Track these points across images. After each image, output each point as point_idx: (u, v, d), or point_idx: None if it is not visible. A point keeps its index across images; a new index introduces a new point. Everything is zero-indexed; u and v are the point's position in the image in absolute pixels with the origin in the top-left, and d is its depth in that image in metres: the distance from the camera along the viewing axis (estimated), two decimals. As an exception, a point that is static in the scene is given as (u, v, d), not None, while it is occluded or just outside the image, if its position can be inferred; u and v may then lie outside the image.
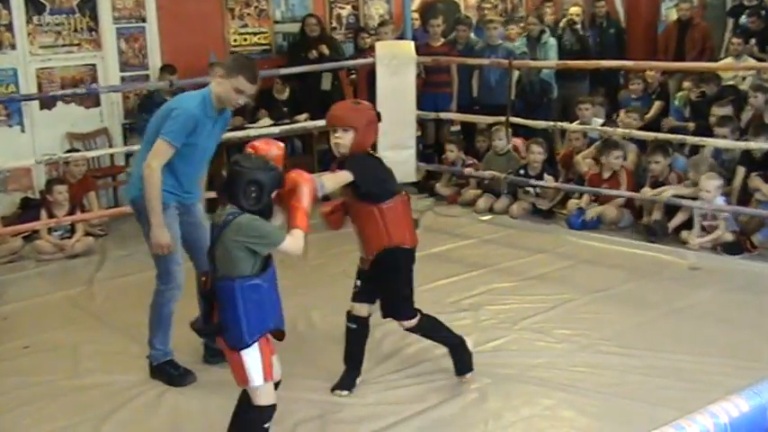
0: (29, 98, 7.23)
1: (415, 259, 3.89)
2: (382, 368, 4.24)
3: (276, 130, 7.30)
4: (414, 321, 3.89)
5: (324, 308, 4.95)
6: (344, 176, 3.61)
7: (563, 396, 3.92)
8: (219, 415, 3.48)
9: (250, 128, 7.49)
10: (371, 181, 3.69)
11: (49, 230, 6.46)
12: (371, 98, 7.33)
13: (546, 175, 6.94)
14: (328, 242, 5.99)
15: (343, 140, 3.65)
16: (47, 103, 7.48)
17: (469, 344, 4.08)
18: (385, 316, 3.92)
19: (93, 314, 5.13)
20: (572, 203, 6.85)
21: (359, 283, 3.94)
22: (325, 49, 8.13)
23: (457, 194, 7.57)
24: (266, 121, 7.78)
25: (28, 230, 6.53)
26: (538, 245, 6.28)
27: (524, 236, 6.54)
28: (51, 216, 6.50)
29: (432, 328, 4.02)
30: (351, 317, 3.98)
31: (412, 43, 7.44)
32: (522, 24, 9.11)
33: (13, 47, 7.32)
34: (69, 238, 6.46)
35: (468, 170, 7.47)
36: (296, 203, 3.17)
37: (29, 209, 6.99)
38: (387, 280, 3.82)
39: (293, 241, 3.12)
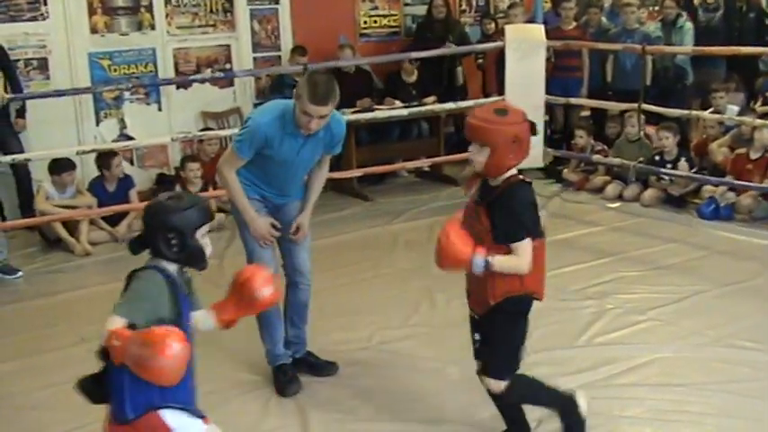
0: (168, 82, 7.51)
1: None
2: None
3: (405, 112, 7.32)
4: (503, 384, 3.16)
5: (448, 291, 4.95)
6: (514, 261, 2.96)
7: (690, 390, 3.80)
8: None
9: (378, 109, 7.55)
10: (524, 228, 2.98)
11: (183, 205, 6.69)
12: (500, 83, 7.30)
13: (682, 161, 6.73)
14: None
15: (476, 158, 2.98)
16: (183, 83, 7.75)
17: (582, 403, 3.28)
18: (485, 373, 3.21)
19: (223, 289, 5.27)
20: (706, 190, 6.62)
21: (478, 336, 3.25)
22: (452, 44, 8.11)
23: (585, 180, 7.43)
24: (394, 102, 7.81)
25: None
26: (668, 234, 6.10)
27: (654, 224, 6.36)
28: (185, 189, 6.74)
29: (529, 390, 3.27)
30: (492, 396, 3.28)
31: (542, 27, 7.32)
32: (656, 8, 8.84)
33: (152, 27, 7.60)
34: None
35: (597, 156, 7.32)
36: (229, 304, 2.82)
37: (164, 185, 7.25)
38: (501, 330, 3.15)
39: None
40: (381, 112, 7.36)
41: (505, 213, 2.97)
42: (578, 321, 4.57)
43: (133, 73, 7.49)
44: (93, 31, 7.36)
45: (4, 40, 6.75)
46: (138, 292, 2.57)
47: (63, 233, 6.32)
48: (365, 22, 8.69)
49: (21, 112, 6.82)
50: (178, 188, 6.79)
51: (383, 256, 5.90)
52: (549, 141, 7.67)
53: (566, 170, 7.63)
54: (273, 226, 3.84)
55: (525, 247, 2.96)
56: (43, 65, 7.16)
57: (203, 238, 2.66)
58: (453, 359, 4.08)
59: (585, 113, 8.38)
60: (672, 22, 8.29)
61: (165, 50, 7.68)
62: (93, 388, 2.65)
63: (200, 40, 7.86)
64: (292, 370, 4.02)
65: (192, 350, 2.54)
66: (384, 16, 8.77)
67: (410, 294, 5.03)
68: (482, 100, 7.94)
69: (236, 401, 3.88)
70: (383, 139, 7.87)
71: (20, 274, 5.84)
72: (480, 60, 8.42)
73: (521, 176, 3.03)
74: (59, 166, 6.47)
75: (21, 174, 6.77)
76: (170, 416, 2.58)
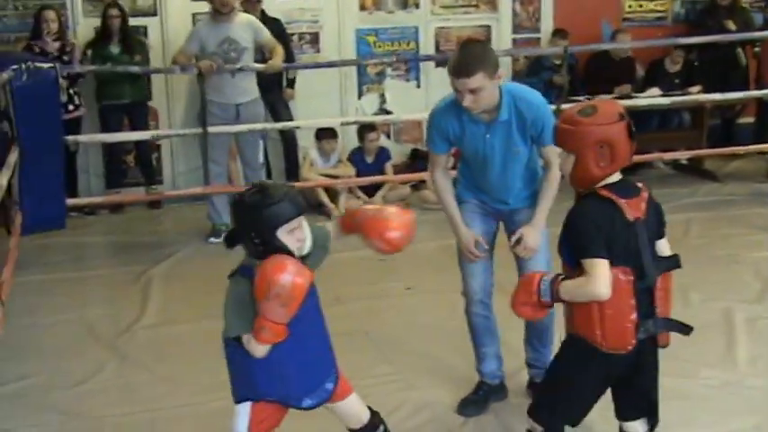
0: (428, 58, 7.69)
1: (615, 372, 2.63)
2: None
3: (666, 100, 7.04)
4: (539, 430, 2.72)
5: (704, 290, 4.73)
6: (603, 272, 2.46)
7: None
8: None
9: (637, 97, 7.31)
10: (587, 243, 2.49)
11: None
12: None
13: None
14: (716, 222, 5.97)
15: (564, 165, 2.61)
16: (442, 62, 7.89)
17: None
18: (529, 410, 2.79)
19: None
20: None
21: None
22: (731, 25, 7.63)
23: None
24: (655, 91, 7.53)
25: (416, 180, 7.00)
26: None
27: None
28: (438, 168, 6.89)
29: None
30: None
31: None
32: None
33: (417, 6, 7.79)
34: (452, 189, 6.81)
35: None
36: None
37: (417, 159, 7.46)
38: (564, 364, 2.70)
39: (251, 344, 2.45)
40: (640, 100, 7.12)
41: (566, 232, 2.56)
42: None
43: (396, 50, 7.74)
44: (362, 8, 7.68)
45: (282, 14, 7.21)
46: (231, 307, 2.51)
47: (324, 198, 6.71)
48: (630, 6, 8.40)
49: (290, 83, 7.28)
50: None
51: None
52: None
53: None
54: (477, 242, 3.39)
55: (597, 265, 2.45)
56: (314, 39, 7.58)
57: (291, 234, 2.44)
58: (708, 362, 3.92)
59: None
60: None
61: (427, 29, 7.86)
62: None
63: (462, 20, 7.95)
64: (489, 393, 3.62)
65: (301, 331, 2.48)
66: (651, 0, 8.44)
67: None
68: (753, 92, 7.49)
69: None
70: (640, 128, 7.50)
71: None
72: (757, 48, 7.89)
73: (605, 193, 2.53)
74: (323, 134, 6.86)
75: (288, 141, 7.25)
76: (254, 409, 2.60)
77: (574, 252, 2.52)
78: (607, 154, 2.49)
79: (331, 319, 4.54)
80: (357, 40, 7.68)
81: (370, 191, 6.91)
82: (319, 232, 2.63)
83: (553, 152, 3.21)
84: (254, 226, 2.42)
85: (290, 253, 2.41)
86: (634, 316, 2.52)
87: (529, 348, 3.64)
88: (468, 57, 3.09)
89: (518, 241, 3.33)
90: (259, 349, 2.43)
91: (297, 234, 2.46)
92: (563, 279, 2.58)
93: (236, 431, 2.62)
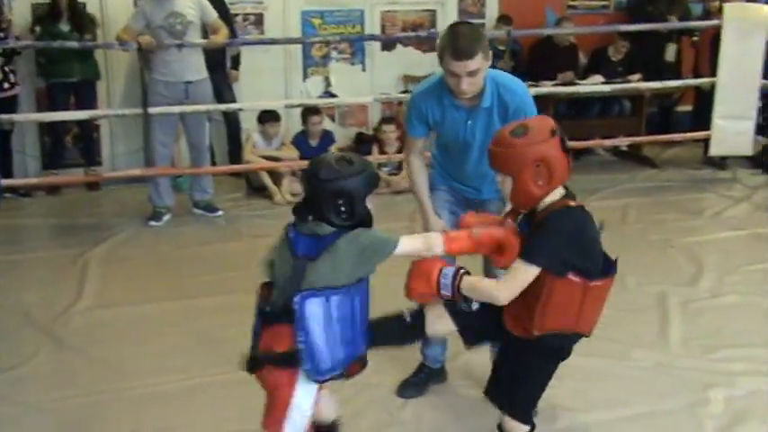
0: (372, 38, 7.70)
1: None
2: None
3: (607, 88, 7.14)
4: (524, 430, 2.76)
5: (640, 275, 4.82)
6: (522, 278, 2.48)
7: None
8: None
9: (580, 84, 7.41)
10: (539, 253, 2.48)
11: (379, 165, 6.84)
12: (713, 64, 6.95)
13: None
14: (653, 208, 6.04)
15: (504, 187, 2.58)
16: (387, 44, 7.90)
17: None
18: (499, 405, 2.79)
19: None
20: None
21: (496, 351, 2.99)
22: (674, 19, 7.76)
23: (797, 173, 7.00)
24: (597, 78, 7.62)
25: (360, 163, 6.99)
26: None
27: None
28: (382, 152, 6.91)
29: None
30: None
31: (766, 6, 6.90)
32: None
33: (363, -11, 7.79)
34: (396, 174, 6.83)
35: (813, 149, 6.86)
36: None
37: (362, 143, 7.45)
38: (535, 366, 2.71)
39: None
40: (582, 87, 7.22)
41: (538, 235, 2.51)
42: (780, 320, 4.35)
43: (341, 33, 7.70)
44: (308, -11, 7.64)
45: (226, -6, 7.13)
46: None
47: (267, 181, 6.67)
48: (574, -6, 8.49)
49: (235, 65, 7.20)
50: (375, 148, 6.99)
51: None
52: (761, 129, 7.25)
53: (776, 161, 7.20)
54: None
55: (522, 271, 2.47)
56: (259, 20, 7.51)
57: (369, 202, 2.50)
58: (641, 344, 4.01)
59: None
60: None
61: (372, 12, 7.83)
62: (274, 356, 2.51)
63: (407, 4, 7.95)
64: (430, 376, 3.64)
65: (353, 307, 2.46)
66: (595, -11, 8.53)
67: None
68: (691, 80, 7.63)
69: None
70: (582, 115, 7.72)
71: (220, 213, 6.24)
72: (695, 38, 8.04)
73: (569, 201, 2.55)
74: (265, 117, 6.81)
75: (231, 123, 7.19)
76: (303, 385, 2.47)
77: (523, 250, 2.50)
78: (544, 172, 2.48)
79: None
80: (302, 22, 7.63)
81: (314, 174, 6.87)
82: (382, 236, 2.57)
83: None
84: (343, 193, 2.40)
85: (372, 221, 2.48)
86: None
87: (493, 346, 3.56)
88: (467, 38, 2.99)
89: None
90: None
91: (371, 203, 2.50)
92: (464, 273, 2.57)
93: (303, 410, 2.48)
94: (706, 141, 7.16)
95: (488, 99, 3.15)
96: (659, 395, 3.56)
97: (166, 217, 6.09)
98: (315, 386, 2.49)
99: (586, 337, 2.69)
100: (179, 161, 6.69)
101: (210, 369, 3.78)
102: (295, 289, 2.40)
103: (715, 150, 7.08)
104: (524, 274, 2.47)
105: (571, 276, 2.50)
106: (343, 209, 2.41)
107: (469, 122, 3.19)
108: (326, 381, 2.49)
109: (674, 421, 3.37)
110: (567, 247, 2.48)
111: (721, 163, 7.39)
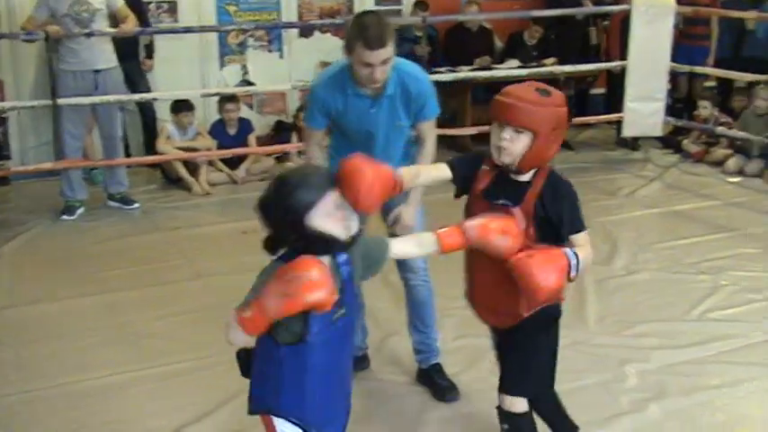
0: (288, 25, 7.64)
1: None
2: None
3: (523, 72, 7.23)
4: (521, 406, 2.70)
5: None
6: (586, 253, 2.47)
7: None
8: None
9: (497, 68, 7.50)
10: (582, 218, 2.52)
11: (299, 153, 6.81)
12: (623, 47, 7.11)
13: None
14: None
15: (512, 146, 2.43)
16: (305, 32, 7.85)
17: None
18: (504, 389, 2.72)
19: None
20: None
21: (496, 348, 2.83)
22: (588, 3, 7.90)
23: (705, 153, 7.20)
24: (513, 62, 7.72)
25: (279, 152, 6.95)
26: (792, 214, 5.87)
27: (777, 203, 6.14)
28: (301, 140, 6.86)
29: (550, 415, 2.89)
30: (504, 415, 2.74)
31: (672, -10, 7.09)
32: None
33: (278, -24, 7.72)
34: (316, 162, 6.79)
35: (720, 129, 7.08)
36: None
37: (282, 131, 7.40)
38: (532, 341, 2.66)
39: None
40: (499, 72, 7.30)
41: (568, 205, 2.49)
42: (691, 295, 4.47)
43: (258, 20, 7.62)
44: (222, -24, 7.53)
45: (137, -19, 6.97)
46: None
47: (183, 172, 6.55)
48: (488, -21, 8.56)
49: (149, 53, 7.06)
50: (294, 136, 6.94)
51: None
52: (670, 110, 7.45)
53: (685, 141, 7.41)
54: None
55: (587, 239, 2.51)
56: (173, 8, 7.37)
57: (329, 217, 2.07)
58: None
59: (711, 84, 8.10)
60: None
61: (289, 0, 7.78)
62: (246, 361, 2.22)
63: (324, -9, 7.93)
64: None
65: (335, 356, 2.18)
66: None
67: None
68: (603, 64, 7.79)
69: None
70: (501, 99, 7.80)
71: (136, 205, 6.12)
72: (606, 23, 8.21)
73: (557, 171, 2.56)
74: (179, 107, 6.70)
75: (146, 113, 7.05)
76: (282, 426, 2.17)
77: (574, 222, 2.48)
78: (558, 136, 2.46)
79: (191, 294, 4.56)
80: (218, 10, 7.52)
81: (233, 164, 6.81)
82: (374, 243, 2.32)
83: (429, 128, 3.27)
84: (283, 223, 2.07)
85: (334, 240, 2.06)
86: None
87: (413, 332, 3.57)
88: (378, 27, 2.95)
89: (396, 220, 3.25)
90: (237, 335, 2.04)
91: (337, 215, 2.07)
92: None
93: None
94: (619, 123, 7.33)
95: (392, 86, 3.12)
96: (577, 373, 3.63)
97: (80, 210, 5.95)
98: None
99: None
100: (92, 153, 6.53)
101: (136, 364, 3.76)
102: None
103: (627, 132, 7.26)
104: (587, 239, 2.51)
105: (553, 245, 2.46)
106: (293, 237, 2.11)
107: (373, 111, 3.15)
108: None
109: (591, 397, 3.44)
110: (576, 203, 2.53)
111: (634, 144, 7.58)
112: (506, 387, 2.70)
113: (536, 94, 2.42)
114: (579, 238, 2.49)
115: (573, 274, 2.36)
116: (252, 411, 2.19)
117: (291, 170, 2.22)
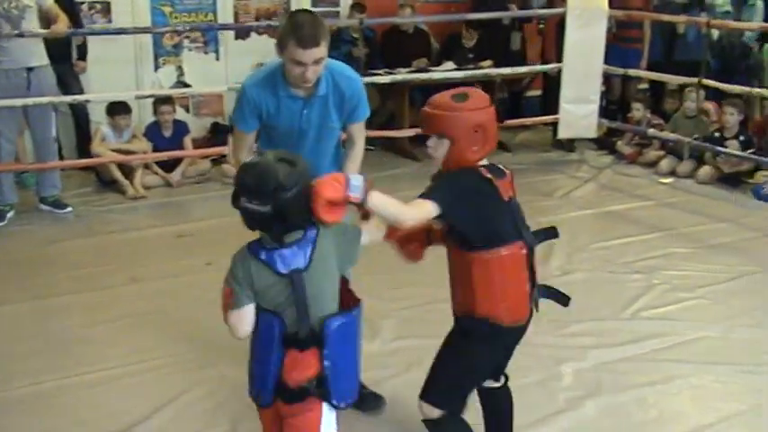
0: (224, 27, 7.58)
1: (511, 343, 2.74)
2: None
3: (459, 74, 7.28)
4: (437, 413, 2.67)
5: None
6: (424, 208, 2.46)
7: (735, 370, 3.77)
8: None
9: (433, 71, 7.53)
10: (467, 218, 2.52)
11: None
12: (559, 50, 7.22)
13: (735, 141, 6.62)
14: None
15: (434, 152, 2.57)
16: (241, 33, 7.79)
17: None
18: (420, 394, 2.72)
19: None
20: (760, 176, 6.52)
21: None
22: (514, 7, 8.02)
23: (638, 154, 7.35)
24: (449, 64, 7.77)
25: (216, 154, 6.87)
26: (721, 213, 6.01)
27: (707, 202, 6.28)
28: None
29: None
30: (425, 423, 2.74)
31: (606, -5, 7.22)
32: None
33: (213, -23, 7.64)
34: (254, 164, 6.74)
35: (652, 131, 7.23)
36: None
37: (218, 134, 7.34)
38: (453, 348, 2.69)
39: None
40: (436, 74, 7.34)
41: (441, 180, 2.58)
42: (625, 294, 4.56)
43: (193, 21, 7.54)
44: (156, -23, 7.43)
45: (68, -19, 6.83)
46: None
47: (117, 175, 6.45)
48: (426, -18, 8.61)
49: (82, 55, 6.93)
50: (231, 138, 6.87)
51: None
52: (604, 112, 7.59)
53: (619, 142, 7.55)
54: None
55: (421, 203, 2.47)
56: (106, 9, 7.25)
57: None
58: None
59: (643, 86, 8.27)
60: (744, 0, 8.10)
61: (225, 1, 7.70)
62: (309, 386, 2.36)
63: (260, -8, 7.88)
64: None
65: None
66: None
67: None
68: (538, 67, 7.90)
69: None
70: (436, 101, 7.84)
71: (69, 209, 6.00)
72: (541, 26, 8.32)
73: (485, 172, 2.55)
74: (115, 109, 6.58)
75: (79, 115, 6.92)
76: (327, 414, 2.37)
77: (469, 232, 2.52)
78: (480, 138, 2.51)
79: (126, 299, 4.48)
80: (152, 11, 7.42)
81: (169, 167, 6.71)
82: (345, 229, 2.43)
83: (359, 129, 3.26)
84: (308, 189, 2.27)
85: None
86: (527, 287, 2.64)
87: None
88: (312, 26, 2.89)
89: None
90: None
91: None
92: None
93: None
94: (554, 125, 7.44)
95: (324, 87, 3.08)
96: (515, 371, 3.59)
97: (10, 214, 5.81)
98: (334, 413, 2.39)
99: (522, 327, 2.66)
100: (23, 156, 6.38)
101: (72, 370, 3.72)
102: (306, 311, 2.30)
103: (563, 133, 7.37)
104: (422, 205, 2.46)
105: (480, 250, 2.52)
106: (308, 205, 2.28)
107: (305, 111, 3.11)
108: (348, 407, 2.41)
109: (528, 396, 3.46)
110: (459, 194, 2.50)
111: (570, 145, 7.70)
112: (422, 392, 2.71)
113: (451, 100, 2.53)
114: (418, 201, 2.49)
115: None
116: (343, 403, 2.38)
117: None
